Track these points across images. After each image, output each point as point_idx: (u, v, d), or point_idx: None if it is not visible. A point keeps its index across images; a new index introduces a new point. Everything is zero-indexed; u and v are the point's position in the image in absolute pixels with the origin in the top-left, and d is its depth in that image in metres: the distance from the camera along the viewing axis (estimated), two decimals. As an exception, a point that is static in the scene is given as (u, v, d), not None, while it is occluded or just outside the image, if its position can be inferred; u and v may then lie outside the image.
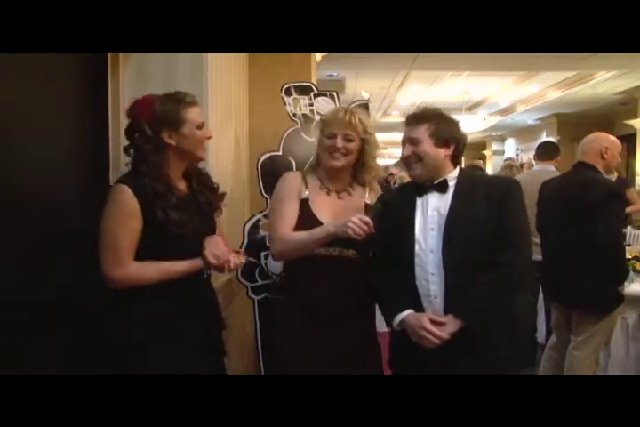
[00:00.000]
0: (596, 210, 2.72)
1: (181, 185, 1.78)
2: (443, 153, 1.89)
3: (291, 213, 1.99)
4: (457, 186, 1.91)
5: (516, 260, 1.85)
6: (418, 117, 1.91)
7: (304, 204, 2.02)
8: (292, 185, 2.04)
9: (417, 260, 1.86)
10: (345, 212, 2.00)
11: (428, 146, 1.87)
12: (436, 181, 1.91)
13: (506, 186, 1.94)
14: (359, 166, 2.09)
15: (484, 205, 1.86)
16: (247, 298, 2.60)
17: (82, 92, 1.94)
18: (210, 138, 1.82)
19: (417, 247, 1.87)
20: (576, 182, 2.88)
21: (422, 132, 1.87)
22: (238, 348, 2.69)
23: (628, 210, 4.84)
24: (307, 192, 2.03)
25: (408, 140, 1.91)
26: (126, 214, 1.62)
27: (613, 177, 4.97)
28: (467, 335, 1.78)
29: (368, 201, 2.10)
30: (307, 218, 1.99)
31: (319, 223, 1.97)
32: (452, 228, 1.84)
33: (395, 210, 1.93)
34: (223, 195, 1.92)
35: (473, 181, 1.95)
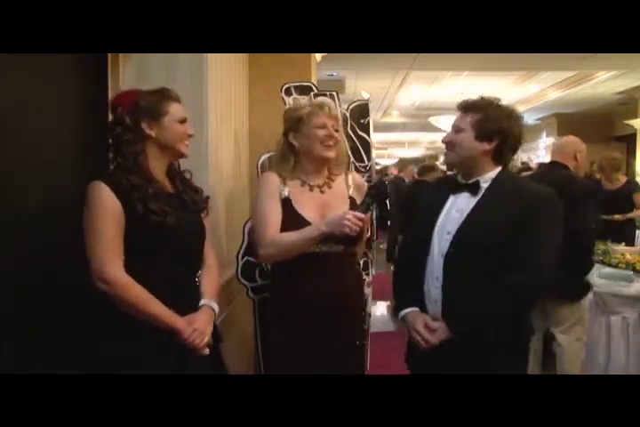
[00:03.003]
0: (574, 204, 2.84)
1: (166, 183, 1.76)
2: (481, 147, 1.78)
3: (275, 214, 1.98)
4: (488, 189, 1.79)
5: (528, 284, 1.71)
6: (467, 106, 1.83)
7: (286, 203, 2.01)
8: (271, 185, 2.03)
9: (429, 261, 1.83)
10: (329, 206, 2.03)
11: (466, 136, 1.79)
12: (470, 181, 1.83)
13: (538, 198, 1.76)
14: (336, 159, 2.10)
15: (508, 216, 1.72)
16: (247, 298, 2.60)
17: (82, 92, 1.94)
18: (191, 136, 1.77)
19: (431, 249, 1.83)
20: (555, 179, 3.01)
21: (466, 122, 1.80)
22: (238, 348, 2.69)
23: (631, 215, 4.92)
24: (286, 191, 2.02)
25: (453, 127, 1.85)
26: (106, 211, 1.58)
27: (623, 179, 5.05)
28: (458, 346, 1.75)
29: (352, 193, 2.12)
30: (291, 217, 1.98)
31: (304, 221, 1.97)
32: (464, 233, 1.75)
33: (427, 204, 1.92)
34: (207, 197, 1.89)
35: (508, 187, 1.80)
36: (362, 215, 1.84)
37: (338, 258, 2.02)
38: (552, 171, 3.21)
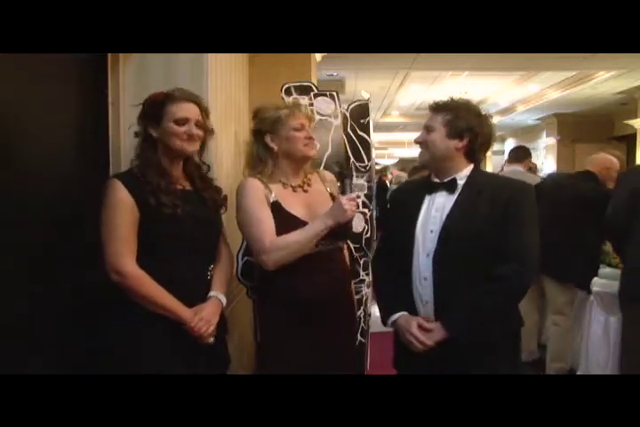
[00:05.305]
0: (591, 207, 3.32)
1: (183, 181, 1.85)
2: (453, 144, 1.84)
3: (268, 219, 1.94)
4: (464, 186, 1.84)
5: (517, 274, 1.75)
6: (439, 106, 1.89)
7: (276, 206, 1.98)
8: (256, 192, 1.98)
9: (414, 262, 1.83)
10: (315, 204, 2.04)
11: (439, 135, 1.85)
12: (446, 180, 1.87)
13: (514, 190, 1.83)
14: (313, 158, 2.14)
15: (488, 210, 1.77)
16: (247, 298, 2.60)
17: (82, 92, 1.94)
18: (192, 135, 1.78)
19: (415, 249, 1.83)
20: (583, 185, 3.55)
21: (438, 121, 1.86)
22: (238, 348, 2.69)
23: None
24: (273, 195, 1.99)
25: (425, 127, 1.90)
26: (121, 207, 1.67)
27: None
28: (455, 345, 1.76)
29: (329, 190, 2.15)
30: (285, 220, 1.96)
31: (300, 222, 1.96)
32: (449, 231, 1.78)
33: (403, 207, 1.93)
34: (225, 196, 1.98)
35: (483, 182, 1.85)
36: (352, 196, 1.89)
37: (331, 254, 2.04)
38: (582, 176, 3.67)
